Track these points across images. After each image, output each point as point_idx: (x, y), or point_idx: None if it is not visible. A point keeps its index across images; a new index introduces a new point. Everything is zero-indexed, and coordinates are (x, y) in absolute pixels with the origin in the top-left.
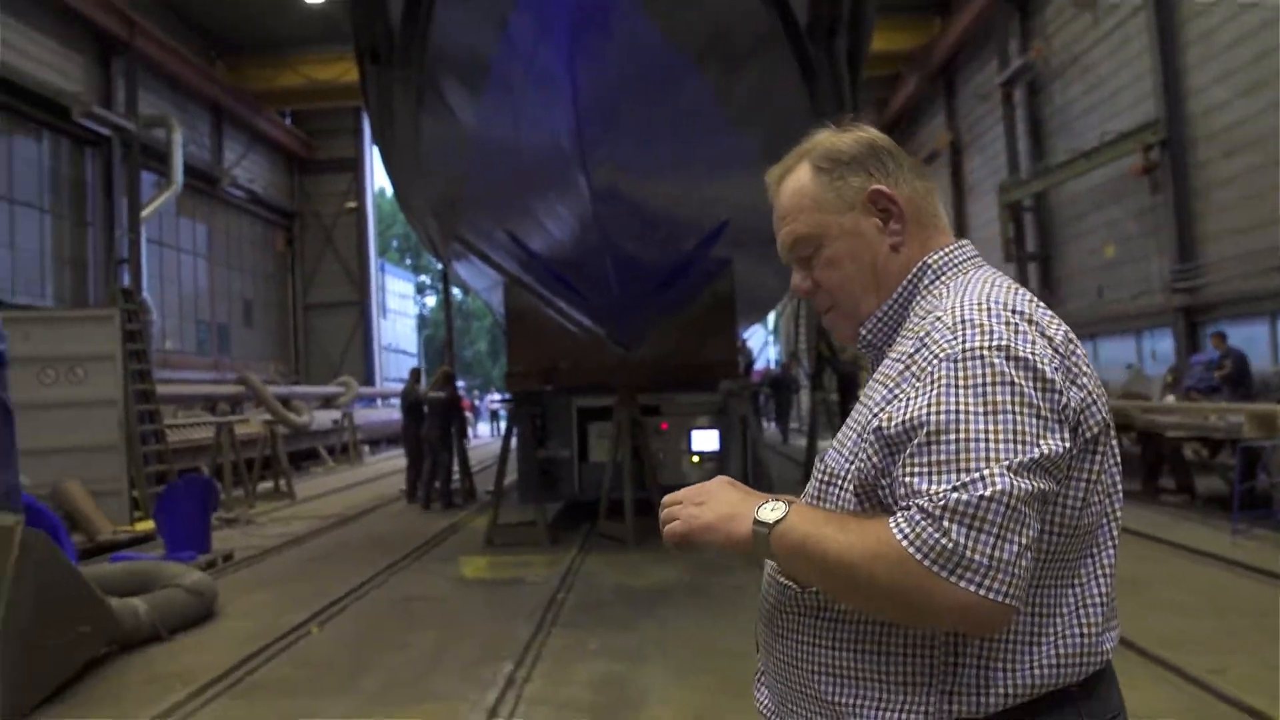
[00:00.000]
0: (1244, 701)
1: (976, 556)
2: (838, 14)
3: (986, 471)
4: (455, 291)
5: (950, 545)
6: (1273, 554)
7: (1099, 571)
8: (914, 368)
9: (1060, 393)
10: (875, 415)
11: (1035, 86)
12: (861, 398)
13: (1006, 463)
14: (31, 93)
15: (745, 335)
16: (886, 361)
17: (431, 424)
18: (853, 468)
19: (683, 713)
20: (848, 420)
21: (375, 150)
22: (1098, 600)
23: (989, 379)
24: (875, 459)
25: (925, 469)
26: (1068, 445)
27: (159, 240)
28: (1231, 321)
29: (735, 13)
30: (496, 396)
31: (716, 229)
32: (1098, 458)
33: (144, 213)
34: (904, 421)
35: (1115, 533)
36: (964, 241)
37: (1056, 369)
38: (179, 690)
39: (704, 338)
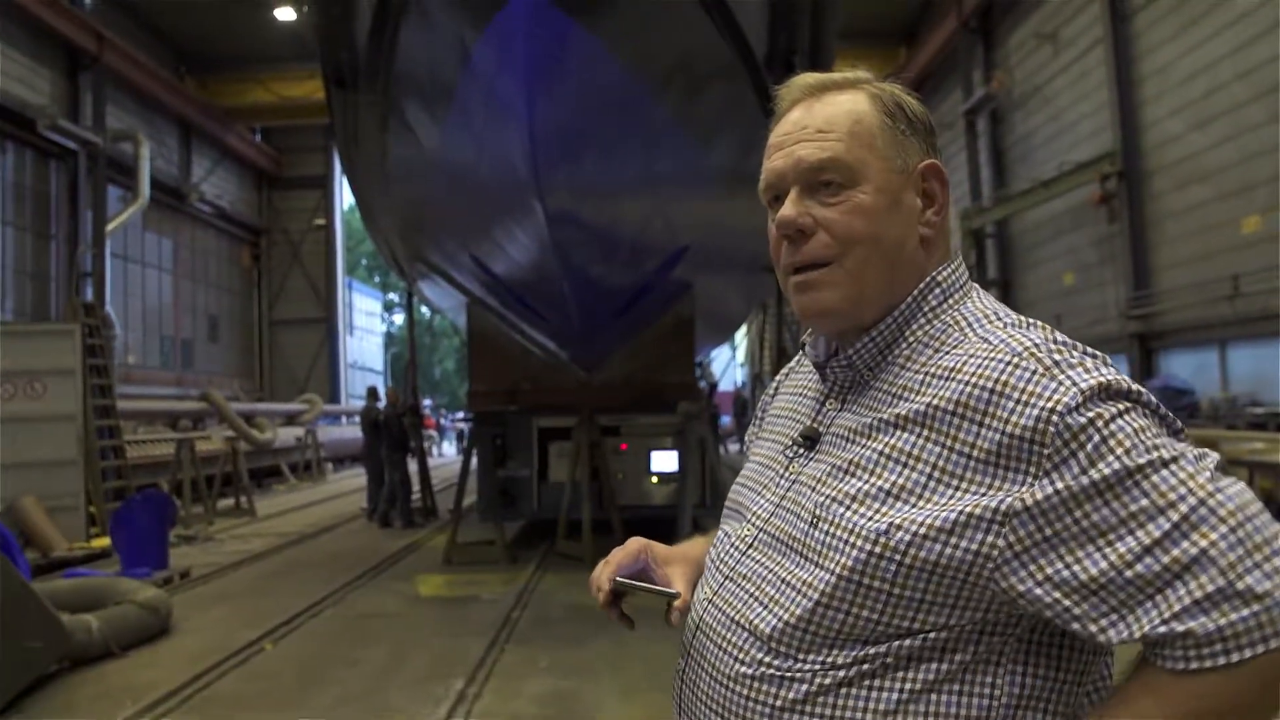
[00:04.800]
0: None
1: None
2: (795, 44)
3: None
4: (424, 310)
5: (1265, 596)
6: None
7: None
8: (1013, 429)
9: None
10: (986, 490)
11: (998, 116)
12: (887, 449)
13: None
14: None
15: (711, 357)
16: (917, 409)
17: (388, 442)
18: (946, 550)
19: None
20: (859, 475)
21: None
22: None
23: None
24: (998, 542)
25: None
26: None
27: (124, 255)
28: (1183, 349)
29: (693, 44)
30: (460, 415)
31: (676, 253)
32: None
33: (109, 227)
34: (1050, 496)
35: None
36: (960, 259)
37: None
38: (129, 706)
39: (664, 360)
